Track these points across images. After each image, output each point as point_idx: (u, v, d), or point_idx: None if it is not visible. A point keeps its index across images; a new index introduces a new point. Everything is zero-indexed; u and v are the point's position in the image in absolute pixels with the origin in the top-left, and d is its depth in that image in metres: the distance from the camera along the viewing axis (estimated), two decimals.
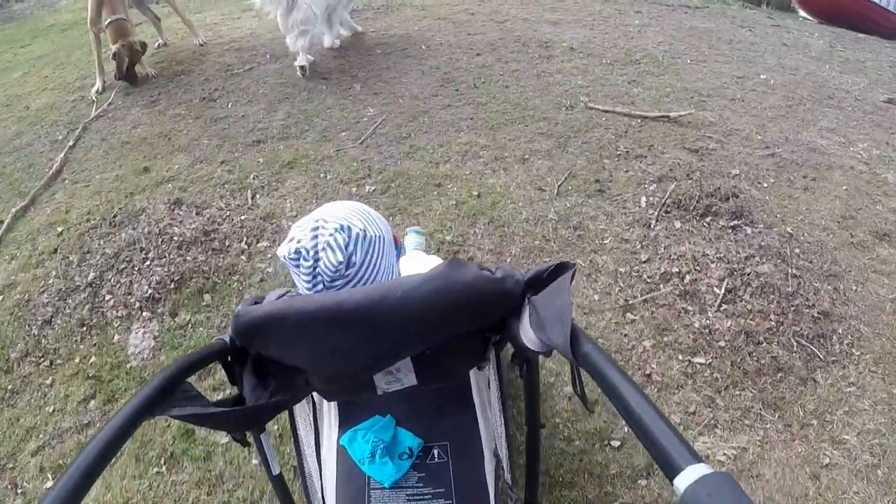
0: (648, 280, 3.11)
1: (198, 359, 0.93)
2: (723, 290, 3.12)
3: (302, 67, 4.82)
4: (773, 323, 3.04)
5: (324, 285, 0.98)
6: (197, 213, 3.64)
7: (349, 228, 0.99)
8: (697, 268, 3.17)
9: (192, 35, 5.99)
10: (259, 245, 3.36)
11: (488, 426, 1.18)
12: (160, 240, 3.36)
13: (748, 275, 3.18)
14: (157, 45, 6.05)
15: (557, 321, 0.81)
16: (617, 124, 4.16)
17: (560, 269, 0.91)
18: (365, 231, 1.01)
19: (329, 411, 1.21)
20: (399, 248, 1.18)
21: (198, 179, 3.97)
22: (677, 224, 3.39)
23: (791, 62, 5.68)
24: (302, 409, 1.26)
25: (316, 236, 0.98)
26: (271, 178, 3.90)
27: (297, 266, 0.99)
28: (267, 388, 0.95)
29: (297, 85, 5.02)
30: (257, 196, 3.76)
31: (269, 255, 3.23)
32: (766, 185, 3.85)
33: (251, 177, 3.94)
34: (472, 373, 1.18)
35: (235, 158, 4.14)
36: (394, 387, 1.06)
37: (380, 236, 1.04)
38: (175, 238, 3.37)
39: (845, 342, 3.03)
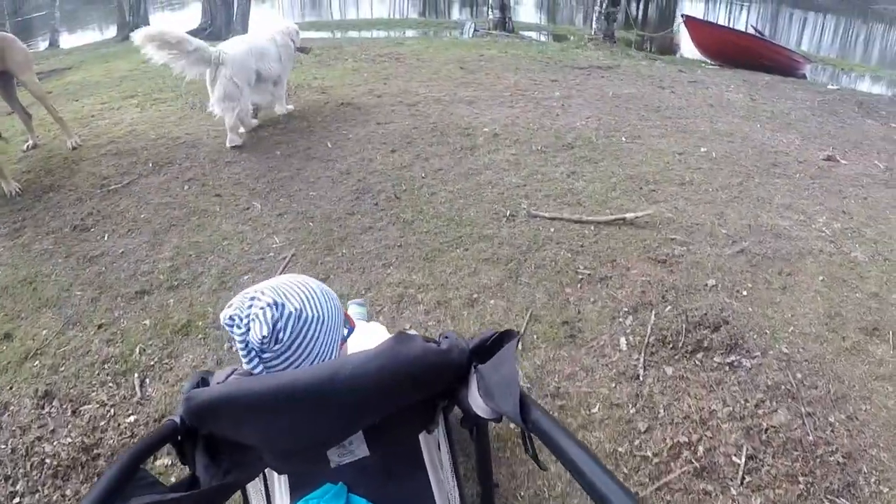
0: (655, 459, 2.51)
1: (150, 443, 0.94)
2: (743, 459, 2.58)
3: (234, 147, 4.72)
4: (802, 486, 2.53)
5: (256, 355, 0.99)
6: (73, 413, 2.75)
7: (283, 306, 1.00)
8: (708, 433, 2.62)
9: (64, 133, 5.07)
10: (158, 463, 2.49)
11: (441, 487, 1.22)
12: (29, 463, 2.45)
13: (766, 431, 2.66)
14: (25, 147, 5.10)
15: (506, 389, 0.88)
16: (569, 235, 3.63)
17: (503, 336, 1.00)
18: (301, 311, 1.02)
19: (280, 481, 1.24)
20: (351, 329, 1.17)
21: (71, 354, 3.08)
22: (668, 370, 2.85)
23: (723, 125, 5.48)
24: (253, 481, 1.25)
25: (250, 306, 0.99)
26: (162, 353, 3.06)
27: (232, 332, 1.00)
28: (220, 467, 0.97)
29: (185, 205, 4.23)
30: (147, 382, 2.91)
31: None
32: (745, 293, 3.44)
33: (137, 350, 3.09)
34: (422, 436, 1.20)
35: (116, 319, 3.27)
36: (346, 459, 1.07)
37: (317, 317, 1.04)
38: (48, 461, 2.47)
39: (872, 481, 2.60)
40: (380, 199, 4.12)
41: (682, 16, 10.34)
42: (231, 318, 1.01)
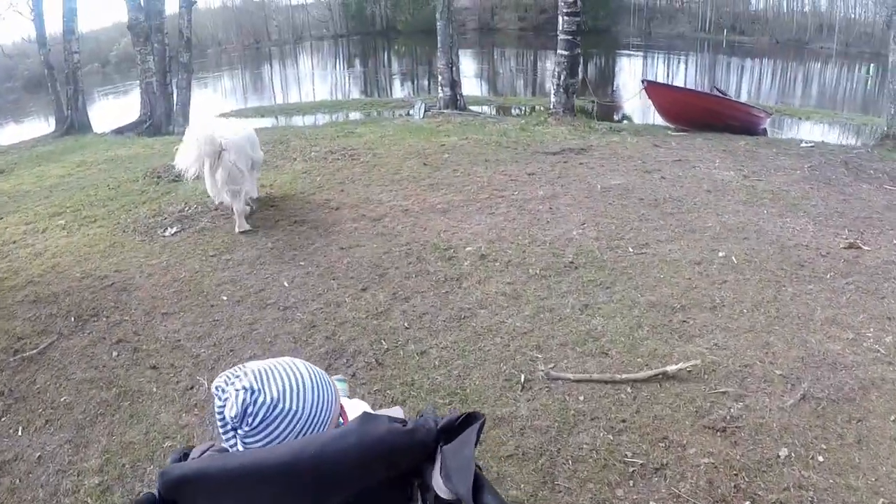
0: None
1: None
2: None
3: (243, 232, 4.79)
4: None
5: (232, 429, 1.02)
6: None
7: (258, 392, 1.01)
8: None
9: None
10: None
11: None
12: None
13: None
14: None
15: (462, 471, 0.94)
16: (604, 404, 2.95)
17: (470, 418, 1.04)
18: (277, 401, 1.02)
19: None
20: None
21: None
22: None
23: (731, 217, 5.02)
24: None
25: (233, 383, 1.01)
26: None
27: (216, 400, 1.03)
28: None
29: (114, 382, 3.45)
30: None
31: None
32: (820, 458, 2.88)
33: None
34: None
35: None
36: None
37: (294, 411, 1.03)
38: None
39: None
40: (358, 364, 3.37)
41: (643, 81, 10.15)
42: (216, 387, 1.03)
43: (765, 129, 11.41)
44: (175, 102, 11.18)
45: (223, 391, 1.03)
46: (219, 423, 1.05)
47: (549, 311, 3.63)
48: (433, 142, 7.60)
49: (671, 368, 3.16)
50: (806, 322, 3.69)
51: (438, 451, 1.01)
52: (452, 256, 4.29)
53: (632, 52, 23.74)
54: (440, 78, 10.57)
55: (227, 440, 1.05)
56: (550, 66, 20.96)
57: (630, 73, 21.52)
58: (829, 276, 4.25)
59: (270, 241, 4.74)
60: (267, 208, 5.42)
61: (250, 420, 1.02)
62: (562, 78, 9.17)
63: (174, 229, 4.99)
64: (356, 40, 23.10)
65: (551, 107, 9.40)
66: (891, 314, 3.86)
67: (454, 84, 10.49)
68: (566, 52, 9.06)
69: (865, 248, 4.73)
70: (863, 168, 7.37)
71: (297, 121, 11.91)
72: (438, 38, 10.28)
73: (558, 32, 9.10)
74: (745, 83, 21.25)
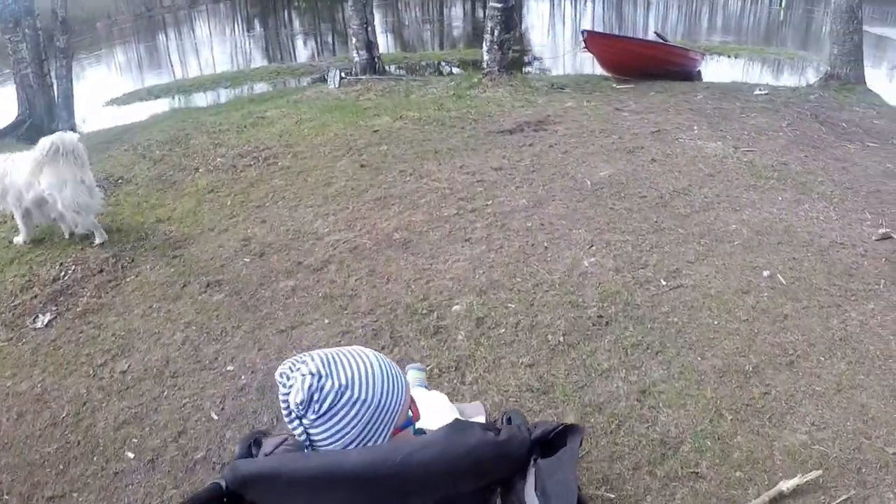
0: None
1: (195, 502, 1.00)
2: None
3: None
4: None
5: (297, 417, 1.00)
6: None
7: (325, 377, 1.00)
8: None
9: None
10: None
11: None
12: None
13: None
14: None
15: (564, 495, 0.90)
16: None
17: (567, 430, 1.00)
18: (345, 388, 1.00)
19: None
20: (410, 421, 1.14)
21: None
22: None
23: (751, 213, 4.45)
24: None
25: (298, 369, 1.01)
26: None
27: (280, 388, 1.02)
28: None
29: None
30: None
31: None
32: None
33: None
34: None
35: None
36: None
37: (363, 399, 1.01)
38: None
39: None
40: None
41: (584, 32, 9.26)
42: (281, 374, 1.02)
43: (699, 72, 11.00)
44: (56, 95, 9.16)
45: (288, 377, 1.01)
46: (283, 412, 1.02)
47: (597, 408, 2.71)
48: (362, 126, 6.35)
49: (787, 486, 2.35)
50: (886, 361, 3.10)
51: (532, 465, 0.98)
52: (439, 327, 3.24)
53: None
54: (354, 40, 9.19)
55: (294, 429, 1.02)
56: (458, 14, 20.11)
57: (538, 15, 20.64)
58: (881, 285, 3.67)
59: (179, 327, 3.43)
60: (168, 259, 4.09)
61: (316, 407, 0.99)
62: (496, 33, 8.08)
63: (48, 315, 3.57)
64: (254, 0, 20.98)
65: (485, 65, 8.34)
66: None
67: (370, 46, 9.14)
68: (500, 5, 7.97)
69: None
70: (834, 121, 6.93)
71: (198, 100, 10.14)
72: None
73: None
74: (652, 18, 20.99)
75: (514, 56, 10.16)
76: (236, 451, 1.20)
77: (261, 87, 10.74)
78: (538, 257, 3.77)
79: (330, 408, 0.99)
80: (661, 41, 10.88)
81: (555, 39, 16.50)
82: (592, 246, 3.86)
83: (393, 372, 1.07)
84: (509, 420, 1.12)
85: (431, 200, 4.55)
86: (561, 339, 3.10)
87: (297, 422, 1.01)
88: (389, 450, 0.96)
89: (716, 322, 3.23)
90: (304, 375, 0.99)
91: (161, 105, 9.75)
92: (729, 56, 13.59)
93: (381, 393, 1.04)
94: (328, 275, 3.73)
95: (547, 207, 4.35)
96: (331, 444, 1.01)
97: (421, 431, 1.18)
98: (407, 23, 18.66)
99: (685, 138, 5.75)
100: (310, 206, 4.62)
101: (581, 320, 3.22)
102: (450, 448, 0.95)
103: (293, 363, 1.02)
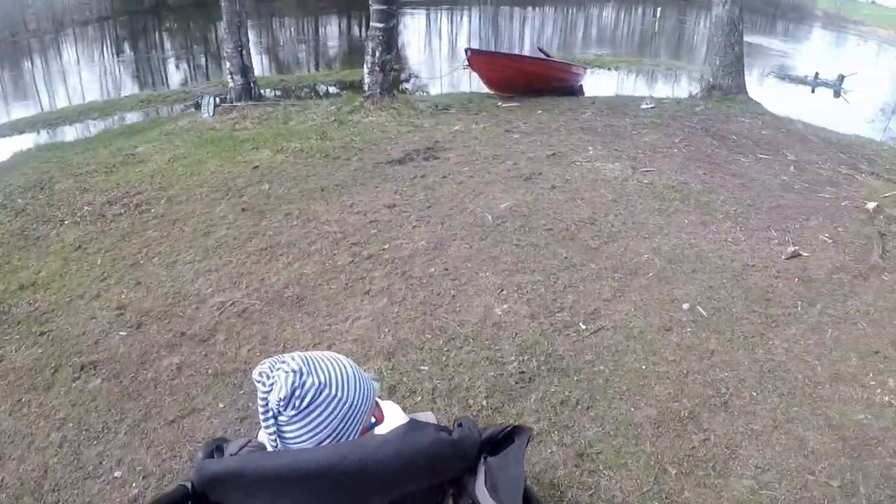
0: None
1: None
2: None
3: None
4: None
5: (273, 416, 1.09)
6: None
7: (306, 375, 1.10)
8: None
9: None
10: None
11: None
12: None
13: None
14: None
15: (512, 486, 1.04)
16: None
17: (514, 431, 1.15)
18: (324, 385, 1.10)
19: None
20: (376, 422, 1.28)
21: None
22: None
23: (661, 240, 4.65)
24: None
25: (278, 368, 1.10)
26: None
27: (258, 388, 1.10)
28: None
29: None
30: None
31: None
32: None
33: None
34: None
35: None
36: None
37: (339, 397, 1.12)
38: None
39: None
40: None
41: (467, 50, 9.49)
42: (260, 374, 1.11)
43: (581, 86, 11.60)
44: None
45: (268, 376, 1.10)
46: (260, 411, 1.10)
47: (535, 479, 2.63)
48: (241, 162, 6.03)
49: None
50: (815, 388, 3.32)
51: (482, 463, 1.10)
52: None
53: (414, 10, 23.64)
54: (228, 65, 8.86)
55: (267, 428, 1.10)
56: (334, 32, 20.03)
57: (415, 31, 21.07)
58: (798, 307, 3.93)
59: (54, 425, 2.99)
60: (35, 337, 3.59)
61: (297, 403, 1.08)
62: (377, 54, 8.04)
63: None
64: (123, 21, 19.71)
65: (366, 88, 8.28)
66: (877, 347, 3.62)
67: (245, 70, 8.83)
68: (381, 25, 7.96)
69: (804, 253, 4.54)
70: (724, 134, 7.47)
71: (66, 133, 9.28)
72: (224, 16, 8.62)
73: (371, 2, 8.00)
74: (528, 32, 22.07)
75: (395, 75, 10.24)
76: (199, 456, 1.27)
77: (132, 117, 10.06)
78: (446, 308, 3.68)
79: (310, 403, 1.08)
80: (545, 57, 11.35)
81: (434, 57, 16.84)
82: (503, 290, 3.82)
83: (362, 376, 1.19)
84: (460, 425, 1.22)
85: (323, 247, 4.36)
86: (483, 402, 3.00)
87: (272, 420, 1.09)
88: (350, 448, 1.04)
89: (643, 366, 3.28)
90: (286, 373, 1.08)
91: (25, 141, 8.91)
92: (609, 69, 14.45)
93: (355, 393, 1.15)
94: (216, 346, 3.42)
95: (448, 248, 4.29)
96: (305, 441, 1.09)
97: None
98: (282, 42, 18.33)
99: (582, 160, 5.95)
100: (189, 261, 4.28)
101: (502, 378, 3.15)
102: (406, 446, 1.04)
103: (273, 363, 1.11)
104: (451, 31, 21.76)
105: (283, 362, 1.12)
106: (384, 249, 4.31)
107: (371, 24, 8.09)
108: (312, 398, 1.09)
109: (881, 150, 7.96)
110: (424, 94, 11.53)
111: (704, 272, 4.16)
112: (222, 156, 6.22)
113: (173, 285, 4.03)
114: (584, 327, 3.53)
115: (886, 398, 3.18)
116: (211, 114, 8.23)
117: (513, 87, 9.58)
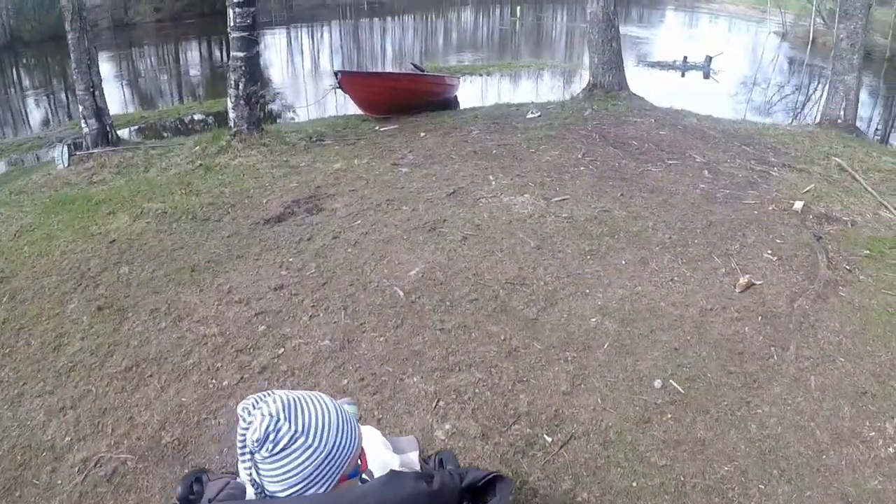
0: None
1: None
2: None
3: None
4: None
5: (249, 452, 1.12)
6: None
7: (283, 422, 1.11)
8: None
9: None
10: None
11: None
12: None
13: None
14: None
15: None
16: None
17: (497, 479, 1.21)
18: (299, 434, 1.12)
19: None
20: (357, 472, 1.24)
21: None
22: None
23: (604, 294, 4.16)
24: None
25: (260, 407, 1.12)
26: None
27: (240, 422, 1.12)
28: None
29: None
30: None
31: None
32: None
33: None
34: None
35: None
36: None
37: (315, 448, 1.13)
38: None
39: None
40: None
41: (337, 72, 8.73)
42: (243, 408, 1.14)
43: (456, 97, 11.23)
44: None
45: (249, 413, 1.12)
46: (238, 445, 1.13)
47: None
48: (96, 235, 4.90)
49: None
50: (821, 459, 2.89)
51: None
52: None
53: (275, 29, 22.64)
54: (81, 108, 7.70)
55: (243, 462, 1.13)
56: (195, 59, 18.54)
57: (277, 52, 20.02)
58: (773, 355, 3.60)
59: None
60: None
61: (270, 447, 1.10)
62: (241, 86, 7.10)
63: None
64: None
65: (232, 124, 7.33)
66: (863, 386, 3.31)
67: (100, 113, 7.67)
68: (243, 54, 7.04)
69: (757, 281, 4.17)
70: (622, 140, 7.19)
71: None
72: (72, 55, 7.49)
73: (230, 29, 7.07)
74: (389, 43, 21.70)
75: (263, 104, 9.33)
76: (178, 491, 1.28)
77: None
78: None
79: (283, 449, 1.11)
80: (419, 72, 10.83)
81: (300, 79, 15.90)
82: (439, 401, 3.10)
83: (349, 425, 1.20)
84: (441, 462, 1.27)
85: (202, 359, 3.47)
86: None
87: (248, 456, 1.12)
88: (329, 501, 1.10)
89: (633, 483, 2.69)
90: (263, 416, 1.11)
91: None
92: (480, 75, 14.10)
93: (334, 443, 1.15)
94: None
95: (359, 345, 3.52)
96: (278, 481, 1.12)
97: (363, 479, 1.28)
98: (143, 73, 16.69)
99: (487, 196, 5.36)
100: (38, 393, 3.27)
101: None
102: (385, 499, 1.07)
103: (256, 400, 1.14)
104: (314, 48, 20.87)
105: (265, 402, 1.13)
106: (279, 356, 3.49)
107: (232, 53, 7.18)
108: (286, 445, 1.10)
109: (779, 136, 7.97)
110: (295, 119, 10.66)
111: (663, 329, 3.66)
112: (75, 226, 5.14)
113: (20, 434, 3.07)
114: (549, 440, 2.89)
115: (891, 450, 2.92)
116: (66, 164, 7.13)
117: (388, 107, 8.96)
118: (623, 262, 4.38)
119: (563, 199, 5.30)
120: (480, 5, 30.56)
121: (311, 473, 1.12)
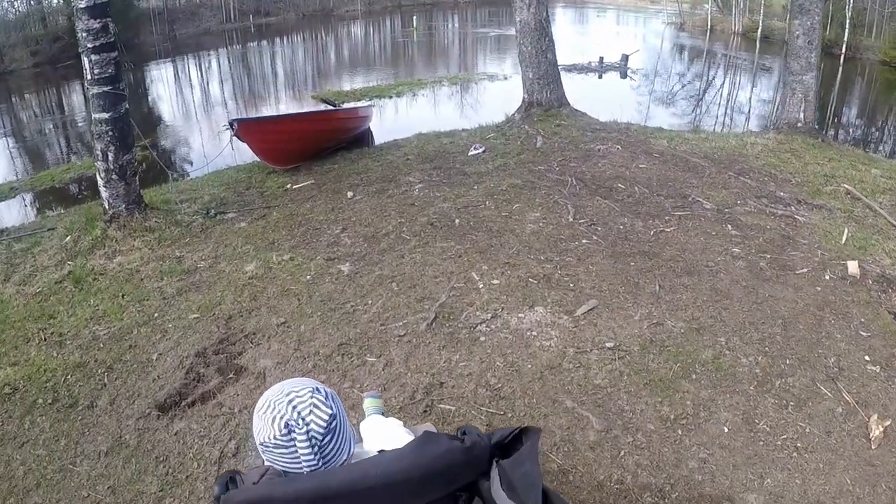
0: None
1: None
2: None
3: None
4: None
5: (319, 448, 1.10)
6: None
7: (320, 388, 1.14)
8: None
9: None
10: None
11: None
12: None
13: None
14: None
15: (529, 484, 1.03)
16: None
17: (522, 432, 1.14)
18: (328, 391, 1.16)
19: None
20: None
21: None
22: None
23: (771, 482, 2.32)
24: None
25: (297, 405, 1.10)
26: None
27: (291, 440, 1.09)
28: None
29: None
30: None
31: None
32: None
33: None
34: None
35: None
36: None
37: (341, 409, 1.17)
38: None
39: None
40: None
41: (232, 122, 6.55)
42: (287, 425, 1.09)
43: (370, 129, 9.46)
44: None
45: (296, 420, 1.09)
46: (306, 451, 1.10)
47: None
48: None
49: None
50: None
51: (494, 466, 1.10)
52: None
53: (160, 62, 20.26)
54: None
55: (309, 462, 1.10)
56: (79, 103, 15.64)
57: (165, 83, 17.38)
58: None
59: None
60: None
61: (332, 425, 1.12)
62: (110, 157, 5.01)
63: None
64: None
65: (106, 205, 5.24)
66: None
67: None
68: (108, 115, 4.94)
69: (885, 423, 2.85)
70: (605, 185, 5.80)
71: None
72: None
73: (87, 84, 5.00)
74: (280, 66, 19.85)
75: (141, 165, 7.07)
76: (216, 490, 1.18)
77: None
78: None
79: (339, 407, 1.15)
80: (331, 108, 8.95)
81: (189, 114, 13.50)
82: None
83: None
84: (463, 433, 1.13)
85: None
86: None
87: (317, 453, 1.10)
88: (369, 465, 1.06)
89: None
90: (311, 396, 1.11)
91: None
92: (390, 96, 12.23)
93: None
94: None
95: None
96: (340, 451, 1.13)
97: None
98: (25, 124, 13.66)
99: (484, 318, 3.63)
100: None
101: None
102: (422, 457, 1.05)
103: (285, 411, 1.09)
104: (203, 79, 18.26)
105: (293, 398, 1.11)
106: None
107: (94, 116, 5.08)
108: (335, 401, 1.14)
109: (761, 155, 6.69)
110: (185, 176, 8.35)
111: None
112: None
113: None
114: None
115: None
116: None
117: (297, 155, 7.05)
118: (725, 428, 2.79)
119: (591, 310, 3.65)
120: (370, 17, 28.59)
121: (349, 430, 1.16)
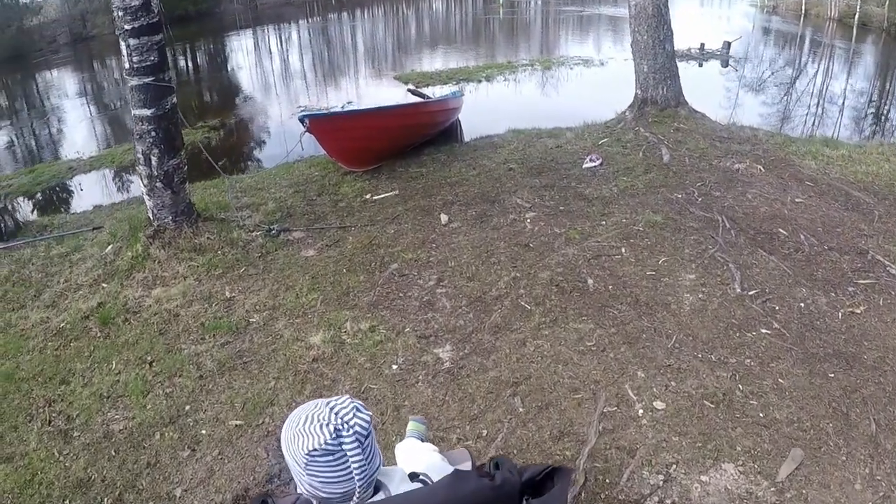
0: None
1: None
2: None
3: None
4: None
5: (364, 448, 1.04)
6: None
7: (360, 410, 1.08)
8: None
9: None
10: None
11: None
12: None
13: None
14: None
15: None
16: None
17: (555, 471, 1.11)
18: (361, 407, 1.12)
19: None
20: None
21: None
22: None
23: None
24: None
25: (339, 411, 1.05)
26: None
27: (339, 444, 1.02)
28: None
29: None
30: None
31: None
32: None
33: None
34: None
35: None
36: None
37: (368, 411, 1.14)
38: None
39: None
40: None
41: (303, 118, 5.33)
42: (336, 429, 1.03)
43: (459, 122, 8.06)
44: None
45: (342, 426, 1.04)
46: (356, 452, 1.04)
47: None
48: None
49: None
50: None
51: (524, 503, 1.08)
52: None
53: (240, 33, 19.32)
54: None
55: (358, 464, 1.05)
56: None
57: (244, 53, 16.35)
58: None
59: None
60: None
61: (369, 425, 1.07)
62: (153, 161, 4.02)
63: None
64: None
65: (150, 216, 4.29)
66: None
67: None
68: (150, 111, 3.99)
69: None
70: (763, 229, 4.39)
71: None
72: None
73: (125, 74, 4.06)
74: (361, 42, 18.46)
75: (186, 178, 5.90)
76: None
77: None
78: None
79: (370, 416, 1.09)
80: (420, 99, 7.65)
81: (269, 88, 12.49)
82: None
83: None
84: (496, 465, 1.09)
85: None
86: None
87: (359, 451, 1.04)
88: (403, 499, 1.04)
89: None
90: (350, 401, 1.07)
91: None
92: (479, 80, 10.76)
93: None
94: None
95: None
96: (374, 455, 1.09)
97: (416, 476, 1.24)
98: (106, 90, 13.04)
99: (654, 493, 2.37)
100: None
101: None
102: (452, 494, 1.02)
103: (329, 419, 1.03)
104: (281, 49, 17.27)
105: (334, 406, 1.06)
106: None
107: (134, 112, 4.09)
108: (367, 411, 1.09)
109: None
110: (247, 175, 7.04)
111: None
112: None
113: None
114: None
115: None
116: None
117: (375, 156, 5.86)
118: None
119: (797, 468, 2.33)
120: None
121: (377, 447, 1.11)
